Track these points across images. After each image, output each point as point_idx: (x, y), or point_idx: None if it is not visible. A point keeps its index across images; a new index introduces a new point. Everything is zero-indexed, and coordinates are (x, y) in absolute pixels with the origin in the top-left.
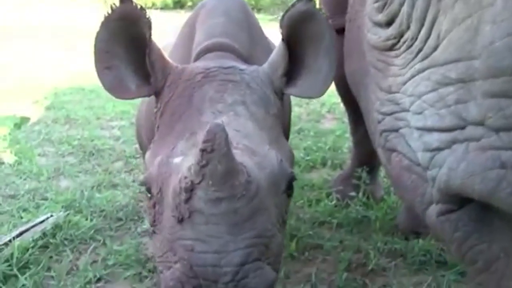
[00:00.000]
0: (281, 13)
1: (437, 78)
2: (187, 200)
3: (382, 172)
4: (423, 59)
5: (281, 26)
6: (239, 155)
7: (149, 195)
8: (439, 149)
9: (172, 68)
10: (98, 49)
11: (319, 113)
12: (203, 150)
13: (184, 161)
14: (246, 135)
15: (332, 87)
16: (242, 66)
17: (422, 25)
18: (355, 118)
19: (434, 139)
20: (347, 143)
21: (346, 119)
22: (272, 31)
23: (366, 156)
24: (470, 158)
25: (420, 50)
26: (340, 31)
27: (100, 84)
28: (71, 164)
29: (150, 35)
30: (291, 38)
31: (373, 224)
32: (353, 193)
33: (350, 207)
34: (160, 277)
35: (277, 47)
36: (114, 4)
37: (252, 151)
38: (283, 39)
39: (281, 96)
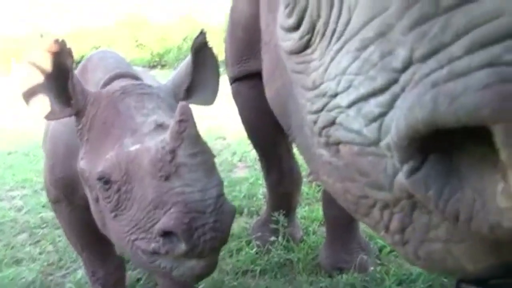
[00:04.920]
0: None
1: (356, 45)
2: (172, 159)
3: (299, 213)
4: (339, 38)
5: (191, 51)
6: None
7: (106, 186)
8: (382, 115)
9: (89, 91)
10: (21, 79)
11: (231, 162)
12: (181, 121)
13: (147, 142)
14: None
15: (243, 135)
16: (149, 84)
17: (332, 6)
18: (267, 163)
19: (373, 105)
20: (261, 189)
21: (258, 166)
22: None
23: (281, 199)
24: (405, 98)
25: (334, 32)
26: (249, 76)
27: None
28: None
29: (72, 62)
30: (193, 62)
31: (296, 266)
32: (272, 238)
33: (272, 252)
34: (132, 246)
35: (183, 67)
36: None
37: None
38: (192, 61)
39: None
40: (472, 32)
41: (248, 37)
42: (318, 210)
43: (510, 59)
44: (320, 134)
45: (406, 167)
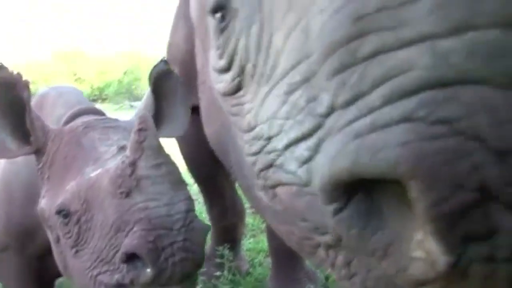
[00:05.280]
0: (126, 102)
1: (284, 89)
2: (133, 172)
3: (245, 245)
4: (267, 81)
5: (149, 82)
6: None
7: (65, 220)
8: (310, 158)
9: (49, 127)
10: None
11: None
12: (140, 130)
13: (107, 165)
14: None
15: (186, 168)
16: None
17: (259, 50)
18: (209, 197)
19: (303, 149)
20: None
21: (201, 199)
22: None
23: (225, 233)
24: (329, 144)
25: (263, 74)
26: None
27: None
28: None
29: (28, 95)
30: (155, 92)
31: None
32: (218, 273)
33: (218, 287)
34: (95, 283)
35: (145, 99)
36: None
37: None
38: (152, 91)
39: None
40: (387, 83)
41: (185, 72)
42: (264, 241)
43: (423, 115)
44: (258, 177)
45: (330, 208)
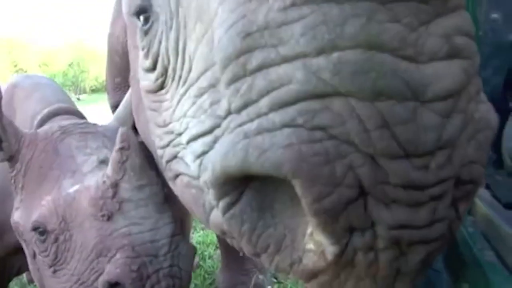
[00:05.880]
0: (73, 95)
1: (195, 92)
2: (114, 195)
3: (194, 238)
4: (184, 84)
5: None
6: None
7: (42, 237)
8: (204, 153)
9: (23, 132)
10: None
11: None
12: (121, 149)
13: (88, 181)
14: None
15: None
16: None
17: (177, 54)
18: None
19: (200, 144)
20: None
21: None
22: None
23: None
24: (222, 142)
25: (180, 77)
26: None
27: None
28: None
29: None
30: None
31: None
32: None
33: None
34: None
35: (124, 103)
36: None
37: None
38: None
39: None
40: (272, 93)
41: (125, 64)
42: (213, 234)
43: (302, 122)
44: (165, 169)
45: (222, 204)
